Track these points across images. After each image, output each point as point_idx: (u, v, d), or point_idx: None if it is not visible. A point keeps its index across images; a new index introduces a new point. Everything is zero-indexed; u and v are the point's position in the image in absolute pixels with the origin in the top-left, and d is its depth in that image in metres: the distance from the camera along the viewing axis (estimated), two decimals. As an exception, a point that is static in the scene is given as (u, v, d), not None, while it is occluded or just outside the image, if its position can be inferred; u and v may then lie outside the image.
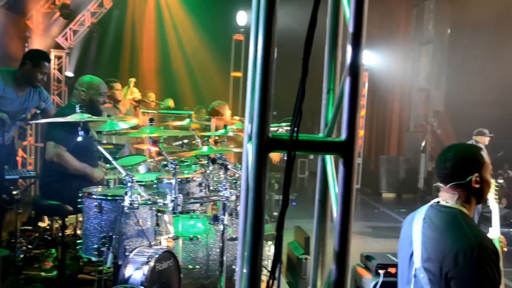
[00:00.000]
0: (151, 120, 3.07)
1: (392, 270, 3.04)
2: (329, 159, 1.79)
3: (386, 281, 3.01)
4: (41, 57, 4.68)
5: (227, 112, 6.51)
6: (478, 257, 1.85)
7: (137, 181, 2.86)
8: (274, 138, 1.48)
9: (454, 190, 2.04)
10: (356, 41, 1.43)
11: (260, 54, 1.44)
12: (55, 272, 4.13)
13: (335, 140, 1.51)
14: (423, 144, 12.18)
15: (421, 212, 2.13)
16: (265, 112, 1.46)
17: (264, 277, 1.50)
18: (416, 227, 2.08)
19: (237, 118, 7.24)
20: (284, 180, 1.47)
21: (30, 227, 4.84)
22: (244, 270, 1.55)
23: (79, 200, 3.18)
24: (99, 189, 3.35)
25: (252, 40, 1.75)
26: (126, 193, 2.79)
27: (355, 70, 1.43)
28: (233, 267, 3.52)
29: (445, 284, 1.94)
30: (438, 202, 2.11)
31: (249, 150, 1.72)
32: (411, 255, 2.08)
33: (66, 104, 4.07)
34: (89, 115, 2.94)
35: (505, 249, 2.34)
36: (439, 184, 2.10)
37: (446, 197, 2.07)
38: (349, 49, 1.45)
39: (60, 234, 4.60)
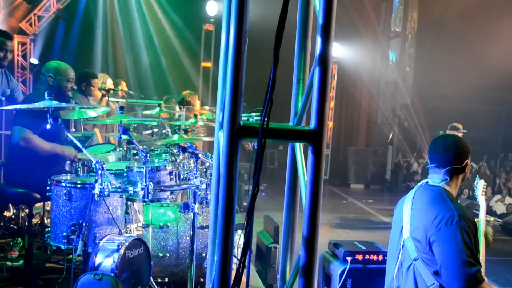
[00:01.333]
0: (121, 108, 3.06)
1: (359, 257, 3.13)
2: (299, 147, 1.85)
3: (353, 268, 3.10)
4: (1, 34, 4.59)
5: (197, 102, 6.52)
6: (458, 223, 2.14)
7: (107, 170, 2.85)
8: (245, 126, 1.51)
9: (448, 173, 2.35)
10: (326, 32, 1.48)
11: (232, 42, 1.47)
12: (21, 261, 4.07)
13: (304, 128, 1.55)
14: (390, 136, 12.43)
15: (411, 193, 2.42)
16: (236, 100, 1.50)
17: (234, 266, 1.54)
18: (406, 205, 2.38)
19: (206, 108, 7.26)
20: (255, 167, 1.51)
21: (-6, 217, 4.74)
22: (215, 257, 1.59)
23: (47, 188, 3.15)
24: (68, 177, 3.33)
25: (224, 29, 1.78)
26: (96, 181, 2.78)
27: (324, 60, 1.48)
28: (203, 255, 3.56)
29: (429, 249, 2.19)
30: (427, 182, 2.40)
31: (220, 138, 1.75)
32: (401, 229, 2.35)
33: (33, 91, 4.00)
34: (58, 102, 2.91)
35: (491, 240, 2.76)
36: (432, 166, 2.40)
37: (435, 179, 2.38)
38: (318, 40, 1.50)
39: (26, 223, 4.55)
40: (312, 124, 1.52)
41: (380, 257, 3.14)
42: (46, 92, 2.90)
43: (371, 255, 3.16)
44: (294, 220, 1.92)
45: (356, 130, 13.78)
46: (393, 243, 2.45)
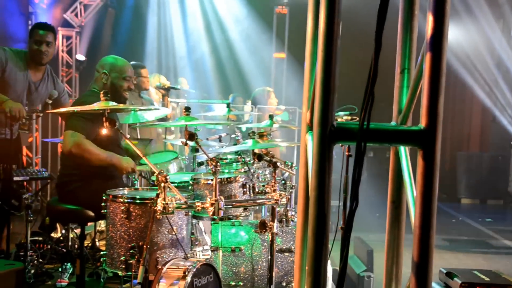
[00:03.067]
0: (187, 109, 3.15)
1: (479, 290, 3.04)
2: (404, 152, 1.83)
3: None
4: (34, 26, 4.89)
5: (273, 100, 6.57)
6: None
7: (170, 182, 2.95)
8: (340, 127, 1.52)
9: None
10: (439, 7, 1.45)
11: (323, 27, 1.49)
12: (71, 291, 4.29)
13: (412, 128, 1.54)
14: (513, 137, 11.92)
15: None
16: (329, 97, 1.51)
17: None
18: None
19: (281, 107, 7.30)
20: (353, 176, 1.51)
21: (41, 238, 5.01)
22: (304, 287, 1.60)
23: (102, 204, 3.30)
24: (126, 191, 3.46)
25: (311, 12, 1.79)
26: (158, 196, 2.88)
27: (438, 43, 1.45)
28: (283, 284, 3.58)
29: None
30: None
31: (308, 142, 1.77)
32: None
33: (87, 91, 4.19)
34: (115, 104, 3.05)
35: None
36: None
37: None
38: (430, 17, 1.47)
39: (76, 245, 4.78)
40: (422, 123, 1.50)
41: (509, 291, 3.03)
42: (102, 92, 3.05)
43: (497, 289, 3.06)
44: (400, 242, 1.90)
45: (468, 131, 13.32)
46: None
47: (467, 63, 12.29)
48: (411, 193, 1.74)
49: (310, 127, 1.75)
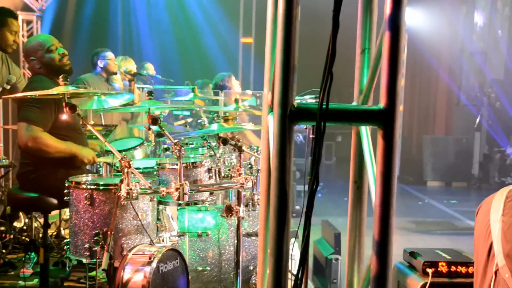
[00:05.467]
0: (149, 93, 3.12)
1: (442, 268, 3.09)
2: (365, 132, 1.84)
3: (435, 282, 3.06)
4: (5, 14, 4.78)
5: (235, 84, 6.58)
6: None
7: (135, 168, 2.93)
8: (300, 107, 1.53)
9: None
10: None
11: (282, 8, 1.49)
12: (36, 280, 4.22)
13: (372, 108, 1.55)
14: (477, 120, 12.12)
15: (500, 197, 2.14)
16: (289, 76, 1.51)
17: (289, 282, 1.55)
18: (495, 213, 2.11)
19: (249, 92, 7.31)
20: (313, 157, 1.52)
21: (3, 228, 4.94)
22: (267, 270, 1.61)
23: (65, 191, 3.26)
24: (89, 177, 3.43)
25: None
26: (122, 181, 2.86)
27: (396, 22, 1.47)
28: (251, 268, 3.60)
29: None
30: None
31: (270, 122, 1.77)
32: (490, 248, 2.10)
33: (34, 76, 4.08)
34: (76, 87, 3.01)
35: None
36: None
37: None
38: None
39: (41, 234, 4.72)
40: (382, 103, 1.52)
41: (471, 269, 3.08)
42: (61, 77, 3.00)
43: (459, 266, 3.11)
44: (362, 221, 1.92)
45: (433, 115, 13.51)
46: (480, 266, 2.18)
47: (432, 48, 12.44)
48: (372, 172, 1.76)
49: (271, 108, 1.75)
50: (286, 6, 1.48)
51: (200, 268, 3.58)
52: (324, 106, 1.47)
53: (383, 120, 1.52)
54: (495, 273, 2.05)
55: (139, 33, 11.71)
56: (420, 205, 9.63)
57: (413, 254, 3.25)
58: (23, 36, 9.16)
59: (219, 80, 6.91)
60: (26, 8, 9.08)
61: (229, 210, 3.15)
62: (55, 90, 3.00)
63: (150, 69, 7.18)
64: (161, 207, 3.68)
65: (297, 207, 6.94)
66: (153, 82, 6.99)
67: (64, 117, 2.98)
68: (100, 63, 5.86)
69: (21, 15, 9.08)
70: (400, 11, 1.47)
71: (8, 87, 4.87)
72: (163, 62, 11.40)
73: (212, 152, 3.82)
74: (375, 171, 1.63)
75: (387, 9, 1.48)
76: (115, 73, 6.02)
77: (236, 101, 4.28)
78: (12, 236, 4.83)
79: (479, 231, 2.22)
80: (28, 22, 9.29)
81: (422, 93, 13.64)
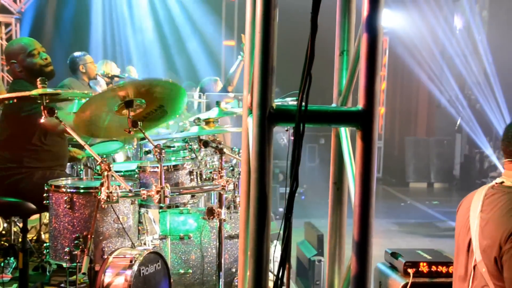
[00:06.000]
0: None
1: (423, 268, 3.11)
2: (345, 133, 1.85)
3: (416, 282, 3.08)
4: None
5: (219, 88, 6.60)
6: None
7: (115, 171, 2.91)
8: (279, 109, 1.53)
9: None
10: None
11: (260, 9, 1.49)
12: (15, 285, 4.19)
13: (351, 109, 1.56)
14: (458, 122, 12.23)
15: (480, 195, 2.23)
16: (268, 78, 1.52)
17: (270, 283, 1.56)
18: (474, 211, 2.18)
19: (231, 95, 7.32)
20: (292, 158, 1.53)
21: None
22: (247, 272, 1.61)
23: (44, 195, 3.23)
24: (69, 181, 3.41)
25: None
26: (102, 185, 2.84)
27: (373, 24, 1.48)
28: (233, 270, 3.59)
29: (500, 273, 2.01)
30: (502, 182, 2.22)
31: (249, 124, 1.77)
32: (469, 244, 2.17)
33: (14, 80, 4.05)
34: (54, 89, 2.98)
35: None
36: (508, 161, 2.22)
37: None
38: (365, 1, 1.50)
39: (20, 239, 4.67)
40: (360, 104, 1.53)
41: (451, 269, 3.11)
42: (39, 80, 2.96)
43: (439, 266, 3.14)
44: (342, 223, 1.93)
45: (415, 117, 13.61)
46: (461, 262, 2.26)
47: (412, 50, 12.53)
48: (352, 173, 1.77)
49: (250, 110, 1.75)
50: (264, 8, 1.48)
51: (182, 271, 3.57)
52: (303, 108, 1.47)
53: (362, 121, 1.53)
54: (474, 267, 2.09)
55: (120, 36, 11.64)
56: (403, 206, 9.68)
57: (394, 254, 3.27)
58: (1, 38, 9.08)
59: (205, 84, 6.94)
60: (5, 11, 8.99)
61: (210, 213, 3.16)
62: (33, 92, 2.97)
63: (132, 71, 7.16)
64: (142, 210, 3.67)
65: (281, 209, 6.95)
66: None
67: (43, 120, 2.94)
68: (82, 68, 5.81)
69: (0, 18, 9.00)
70: (377, 13, 1.48)
71: None
72: (146, 65, 11.35)
73: (193, 155, 3.81)
74: (354, 172, 1.64)
75: (365, 11, 1.49)
76: (94, 78, 5.98)
77: (218, 103, 4.28)
78: (-10, 242, 4.79)
79: (459, 227, 2.26)
80: (7, 25, 9.19)
81: (404, 96, 13.73)
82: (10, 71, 3.93)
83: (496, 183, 2.24)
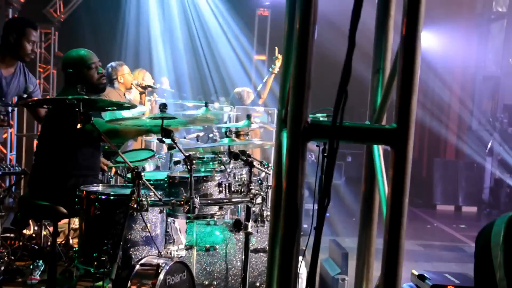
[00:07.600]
0: (163, 106, 3.13)
1: (450, 292, 3.07)
2: (378, 150, 1.84)
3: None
4: (26, 24, 4.82)
5: (251, 98, 6.61)
6: None
7: (146, 179, 2.94)
8: (314, 124, 1.53)
9: None
10: (413, 8, 1.47)
11: (298, 25, 1.50)
12: (43, 288, 4.24)
13: (385, 127, 1.55)
14: (489, 145, 12.06)
15: (501, 223, 2.10)
16: (303, 93, 1.51)
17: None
18: (496, 245, 2.07)
19: (261, 109, 7.34)
20: (325, 174, 1.52)
21: (12, 235, 4.95)
22: (274, 287, 1.60)
23: (75, 200, 3.27)
24: (100, 187, 3.45)
25: (288, 10, 1.80)
26: (132, 193, 2.87)
27: (412, 42, 1.47)
28: (257, 284, 3.58)
29: None
30: None
31: (283, 139, 1.77)
32: (491, 281, 2.05)
33: (66, 87, 4.12)
34: (87, 96, 3.03)
35: None
36: None
37: None
38: (404, 19, 1.49)
39: (49, 242, 4.73)
40: (395, 122, 1.51)
41: (478, 293, 3.06)
42: (79, 86, 3.02)
43: (467, 291, 3.09)
44: (371, 241, 1.91)
45: (444, 138, 13.45)
46: None
47: (445, 71, 12.43)
48: (383, 192, 1.75)
49: (284, 125, 1.75)
50: (302, 23, 1.48)
51: (206, 282, 3.57)
52: (338, 124, 1.47)
53: (396, 139, 1.51)
54: None
55: (153, 47, 11.78)
56: (429, 228, 9.55)
57: (421, 277, 3.23)
58: (40, 47, 9.27)
59: (237, 94, 6.96)
60: (45, 20, 9.17)
61: (237, 225, 3.16)
62: (69, 96, 3.02)
63: (164, 83, 7.23)
64: (169, 219, 3.68)
65: (305, 226, 6.91)
66: (166, 96, 7.02)
67: (79, 126, 2.99)
68: (120, 79, 5.87)
69: (40, 27, 9.18)
70: (417, 31, 1.47)
71: (25, 96, 4.92)
72: (178, 76, 11.45)
73: (223, 167, 3.82)
74: (386, 191, 1.62)
75: (403, 29, 1.48)
76: (129, 88, 6.06)
77: (248, 116, 4.29)
78: (21, 243, 4.85)
79: (481, 260, 2.17)
80: (46, 34, 9.38)
81: (434, 116, 13.60)
82: (66, 78, 3.99)
83: None
